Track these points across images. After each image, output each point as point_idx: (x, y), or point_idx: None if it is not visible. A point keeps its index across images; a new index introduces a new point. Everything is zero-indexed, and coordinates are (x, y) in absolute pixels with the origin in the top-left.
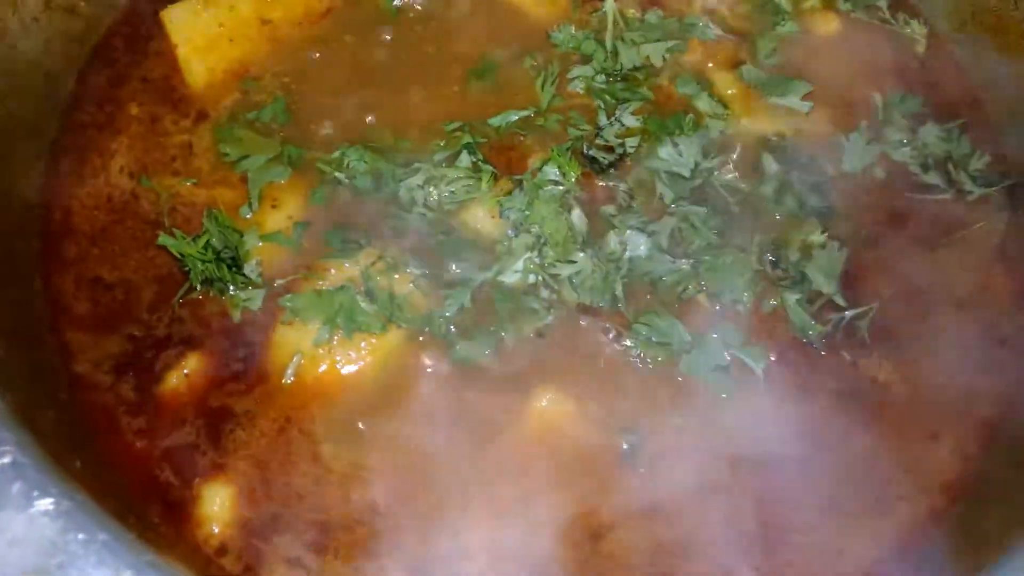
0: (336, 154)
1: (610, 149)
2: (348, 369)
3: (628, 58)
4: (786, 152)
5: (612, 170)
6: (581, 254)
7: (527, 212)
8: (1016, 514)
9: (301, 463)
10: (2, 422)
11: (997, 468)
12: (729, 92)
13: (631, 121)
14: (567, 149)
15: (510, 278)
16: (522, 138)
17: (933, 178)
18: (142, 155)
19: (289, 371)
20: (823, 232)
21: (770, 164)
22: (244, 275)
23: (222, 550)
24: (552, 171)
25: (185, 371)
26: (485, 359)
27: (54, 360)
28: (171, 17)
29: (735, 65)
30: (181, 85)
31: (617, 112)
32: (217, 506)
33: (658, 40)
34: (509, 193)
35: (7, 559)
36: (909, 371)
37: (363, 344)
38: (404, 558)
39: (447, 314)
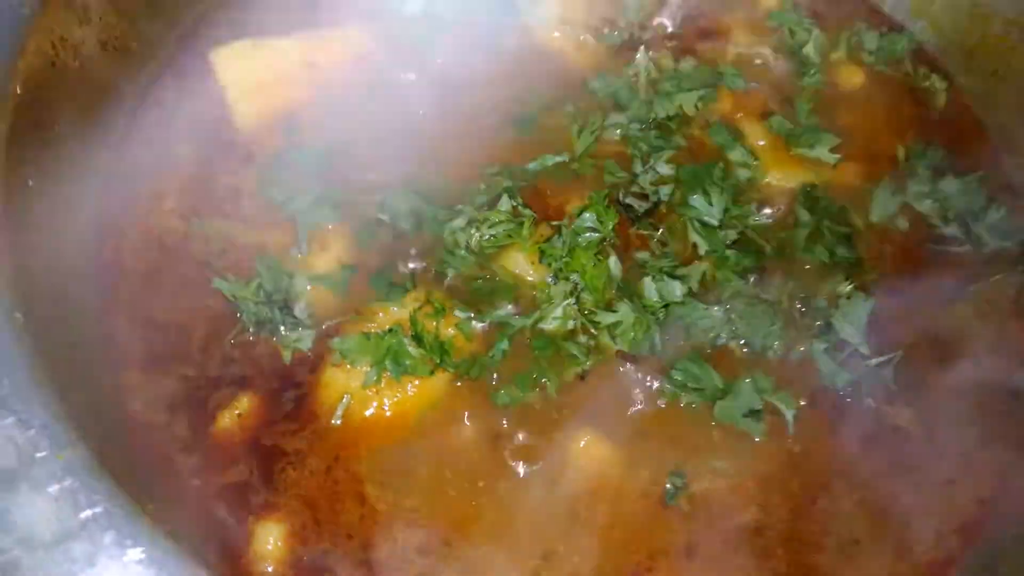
0: (379, 196)
1: (644, 197)
2: (395, 410)
3: (662, 107)
4: (816, 202)
5: (647, 218)
6: (624, 305)
7: (566, 259)
8: None
9: (347, 502)
10: (89, 471)
11: (1009, 514)
12: (759, 143)
13: (664, 169)
14: (604, 196)
15: (550, 324)
16: (559, 184)
17: (953, 230)
18: (191, 196)
19: (338, 411)
20: (849, 282)
21: (802, 214)
22: (294, 317)
23: None
24: (590, 218)
25: (237, 411)
26: (526, 402)
27: (113, 400)
28: (220, 58)
29: (764, 116)
30: (229, 127)
31: (651, 160)
32: (270, 544)
33: (691, 90)
34: (548, 239)
35: None
36: (928, 418)
37: (410, 386)
38: None
39: (490, 359)
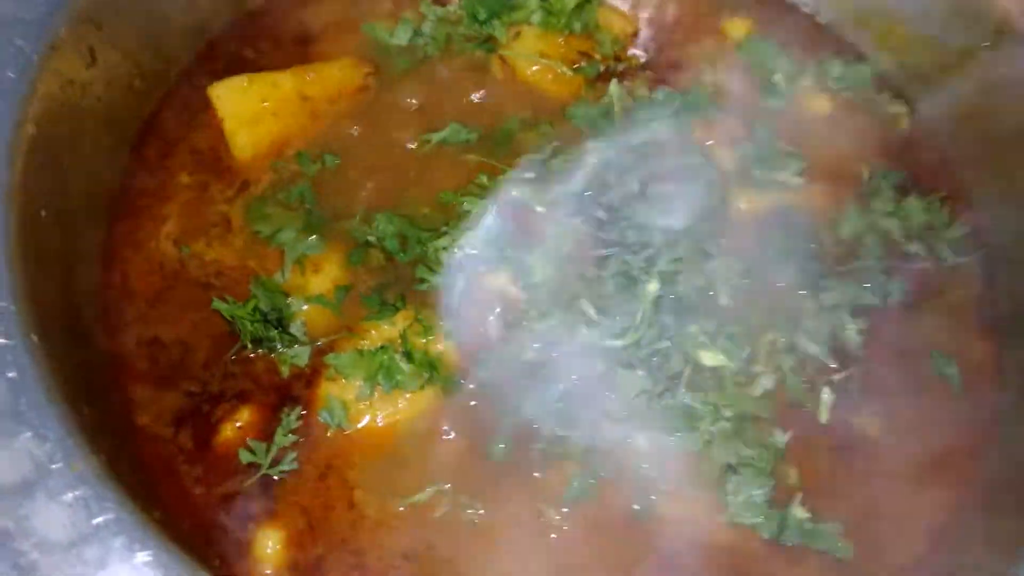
0: (357, 220)
1: (612, 208)
2: (386, 422)
3: (636, 134)
4: (782, 224)
5: (609, 227)
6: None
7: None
8: (996, 562)
9: (339, 508)
10: (100, 480)
11: (977, 518)
12: (728, 168)
13: (635, 187)
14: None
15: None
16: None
17: (915, 247)
18: (188, 223)
19: (332, 423)
20: (816, 299)
21: (774, 233)
22: (291, 334)
23: None
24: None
25: (238, 423)
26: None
27: (121, 414)
28: (218, 93)
29: (733, 142)
30: (227, 156)
31: (625, 178)
32: (269, 549)
33: (664, 118)
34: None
35: None
36: (896, 426)
37: (400, 400)
38: None
39: (480, 385)
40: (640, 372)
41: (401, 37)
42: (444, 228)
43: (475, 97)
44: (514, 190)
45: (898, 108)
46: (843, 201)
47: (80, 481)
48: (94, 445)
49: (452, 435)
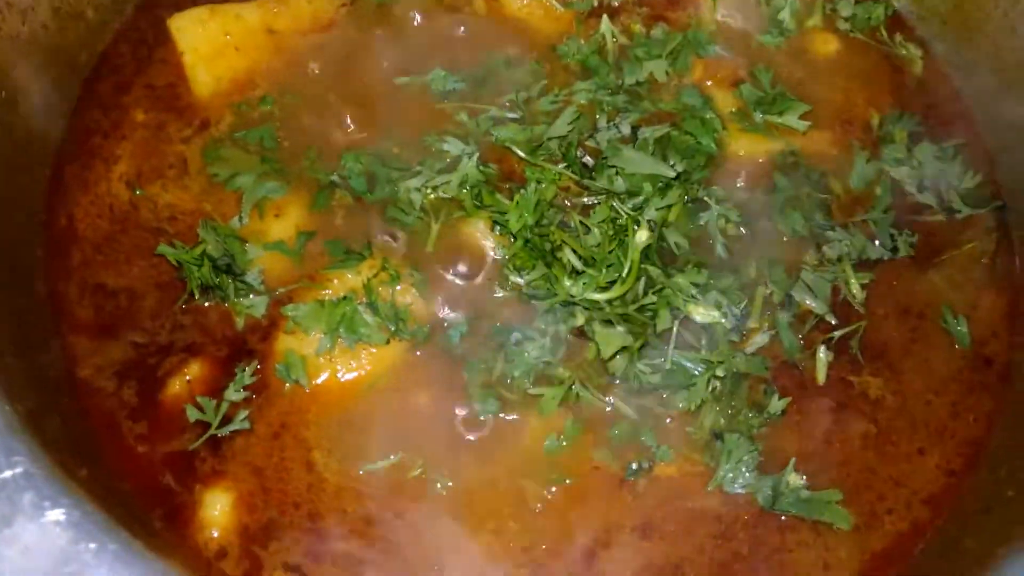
0: (320, 159)
1: (598, 153)
2: (347, 378)
3: (632, 73)
4: (795, 168)
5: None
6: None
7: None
8: (997, 531)
9: (295, 470)
10: (12, 432)
11: (979, 485)
12: (729, 111)
13: (627, 130)
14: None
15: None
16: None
17: (927, 198)
18: (142, 163)
19: (290, 379)
20: (818, 252)
21: (780, 179)
22: (246, 283)
23: (221, 554)
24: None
25: (187, 377)
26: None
27: (58, 366)
28: (178, 25)
29: (735, 84)
30: (187, 93)
31: (617, 119)
32: (217, 511)
33: (661, 56)
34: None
35: (20, 568)
36: (898, 387)
37: (364, 355)
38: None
39: (452, 340)
40: (620, 328)
41: None
42: (417, 167)
43: (456, 33)
44: (495, 131)
45: (912, 50)
46: (850, 148)
47: None
48: (12, 395)
49: (421, 394)
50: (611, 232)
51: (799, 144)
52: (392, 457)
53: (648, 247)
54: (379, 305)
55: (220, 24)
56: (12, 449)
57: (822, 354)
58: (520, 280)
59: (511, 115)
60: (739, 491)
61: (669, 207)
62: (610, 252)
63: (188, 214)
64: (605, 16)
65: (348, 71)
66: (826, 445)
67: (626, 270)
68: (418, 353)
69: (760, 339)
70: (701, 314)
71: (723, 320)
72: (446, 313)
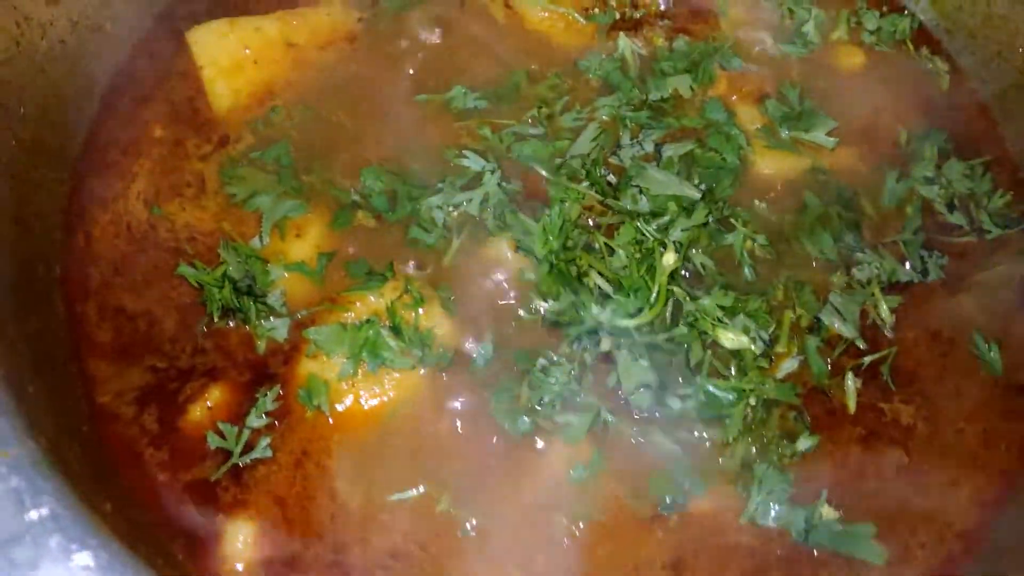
0: (341, 177)
1: (622, 170)
2: (371, 404)
3: (656, 89)
4: (825, 187)
5: (621, 192)
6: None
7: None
8: None
9: (318, 499)
10: (37, 469)
11: (1013, 517)
12: (755, 127)
13: (650, 148)
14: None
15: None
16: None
17: (957, 218)
18: (160, 181)
19: (311, 405)
20: (847, 274)
21: (810, 198)
22: (267, 305)
23: None
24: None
25: (208, 403)
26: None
27: (76, 391)
28: (196, 38)
29: (760, 99)
30: (205, 108)
31: (640, 135)
32: (240, 543)
33: (687, 71)
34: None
35: None
36: (930, 415)
37: (387, 380)
38: None
39: (476, 365)
40: (643, 362)
41: None
42: (440, 184)
43: (476, 47)
44: (517, 148)
45: (939, 65)
46: (878, 165)
47: (13, 470)
48: (36, 428)
49: (445, 421)
50: (638, 255)
51: (826, 161)
52: (417, 487)
53: (674, 269)
54: (403, 329)
55: (239, 37)
56: (38, 488)
57: (851, 382)
58: (545, 305)
59: (533, 131)
60: (772, 524)
61: (695, 228)
62: (638, 276)
63: (207, 234)
64: (622, 34)
65: (367, 86)
66: (858, 475)
67: (654, 295)
68: (444, 378)
69: (789, 365)
70: (730, 340)
71: (752, 346)
72: (470, 337)
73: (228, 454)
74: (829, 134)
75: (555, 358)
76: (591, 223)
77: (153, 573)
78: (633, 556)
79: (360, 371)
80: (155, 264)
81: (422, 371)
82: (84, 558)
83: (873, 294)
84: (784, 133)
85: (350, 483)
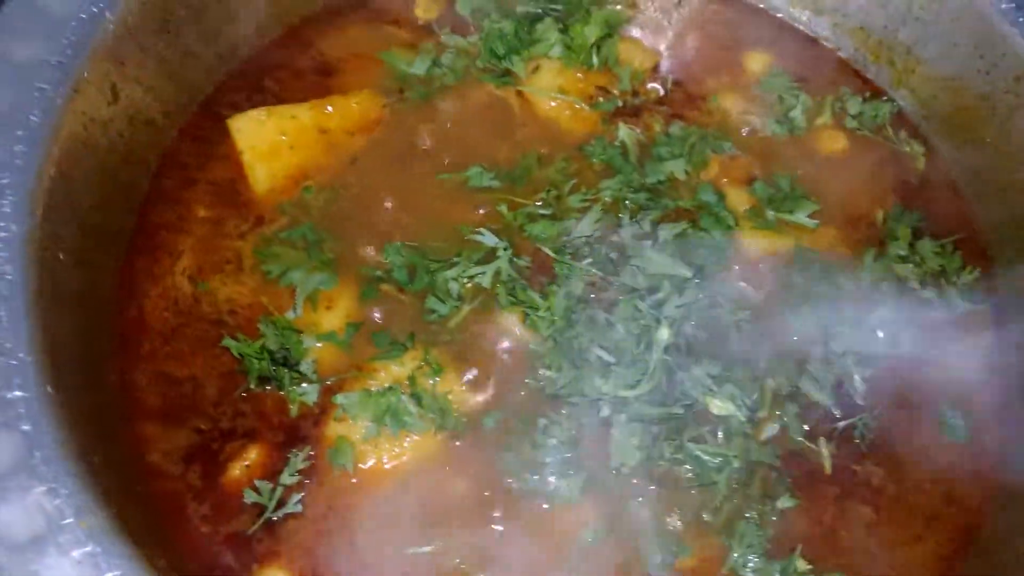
0: (368, 253)
1: (623, 249)
2: (391, 464)
3: (653, 172)
4: (795, 267)
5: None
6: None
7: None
8: None
9: (343, 551)
10: (110, 537)
11: (972, 570)
12: (742, 209)
13: (648, 227)
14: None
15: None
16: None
17: (928, 294)
18: (203, 258)
19: (338, 464)
20: (825, 346)
21: (795, 276)
22: (300, 372)
23: None
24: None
25: (246, 462)
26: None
27: (129, 452)
28: (237, 125)
29: (749, 181)
30: (246, 189)
31: (639, 216)
32: None
33: (681, 155)
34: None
35: None
36: (898, 476)
37: (407, 442)
38: None
39: (487, 426)
40: (634, 440)
41: (419, 67)
42: (455, 259)
43: (492, 132)
44: (528, 229)
45: (915, 148)
46: (857, 243)
47: (89, 537)
48: (105, 498)
49: (457, 481)
50: (636, 331)
51: (809, 240)
52: (432, 543)
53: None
54: (422, 396)
55: (276, 124)
56: (111, 553)
57: (824, 448)
58: (549, 375)
59: (543, 211)
60: (751, 574)
61: (687, 305)
62: (636, 350)
63: (246, 307)
64: (621, 123)
65: (391, 167)
66: (831, 531)
67: (651, 367)
68: (457, 442)
69: (771, 429)
70: (718, 407)
71: (738, 412)
72: (481, 403)
73: (263, 509)
74: (812, 215)
75: (555, 420)
76: (593, 296)
77: None
78: None
79: (383, 433)
80: (199, 336)
81: (438, 435)
82: None
83: (848, 365)
84: (770, 214)
85: (371, 537)
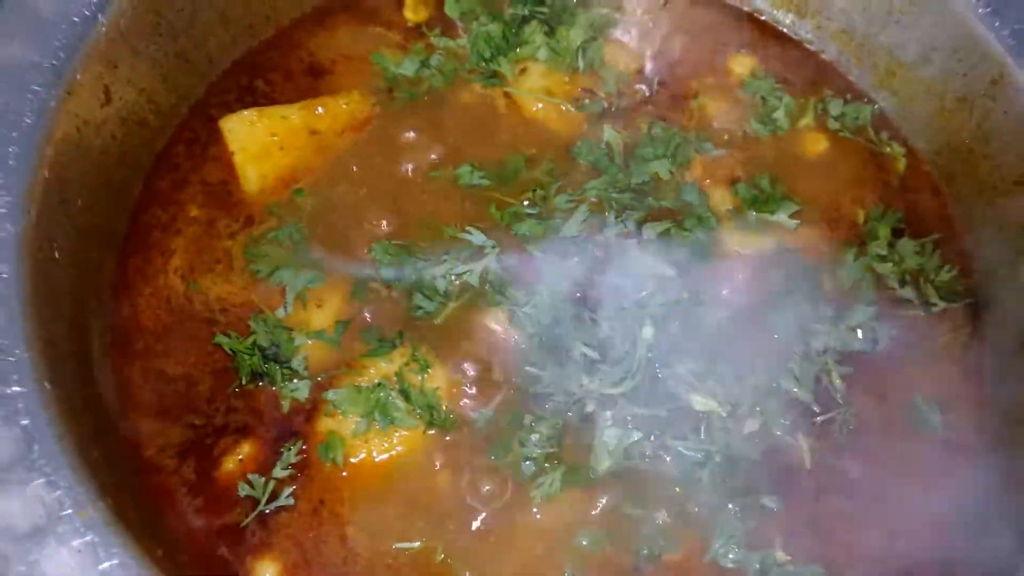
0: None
1: (608, 248)
2: (381, 458)
3: (638, 173)
4: (776, 267)
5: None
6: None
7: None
8: None
9: (331, 543)
10: (108, 527)
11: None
12: (725, 209)
13: (632, 227)
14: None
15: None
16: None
17: (907, 293)
18: (194, 258)
19: (329, 458)
20: (805, 343)
21: (776, 275)
22: (291, 368)
23: None
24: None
25: (239, 456)
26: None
27: (126, 448)
28: (229, 126)
29: (732, 182)
30: (237, 190)
31: (624, 215)
32: None
33: (664, 156)
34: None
35: None
36: (875, 471)
37: (396, 436)
38: None
39: (474, 422)
40: (618, 429)
41: (408, 68)
42: (444, 257)
43: (480, 132)
44: (515, 228)
45: (896, 149)
46: (838, 243)
47: (88, 527)
48: (102, 490)
49: (446, 475)
50: (621, 329)
51: (790, 240)
52: (419, 538)
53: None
54: (410, 391)
55: (267, 125)
56: (109, 543)
57: (803, 442)
58: (535, 372)
59: (530, 211)
60: (731, 566)
61: (670, 303)
62: (621, 348)
63: (237, 305)
64: (607, 124)
65: (381, 167)
66: (810, 523)
67: (635, 365)
68: (446, 437)
69: (751, 424)
70: (700, 403)
71: (719, 408)
72: (469, 400)
73: (256, 502)
74: (793, 215)
75: (541, 416)
76: (578, 295)
77: None
78: None
79: (372, 429)
80: (192, 332)
81: (427, 431)
82: None
83: (827, 363)
84: (752, 215)
85: (359, 529)
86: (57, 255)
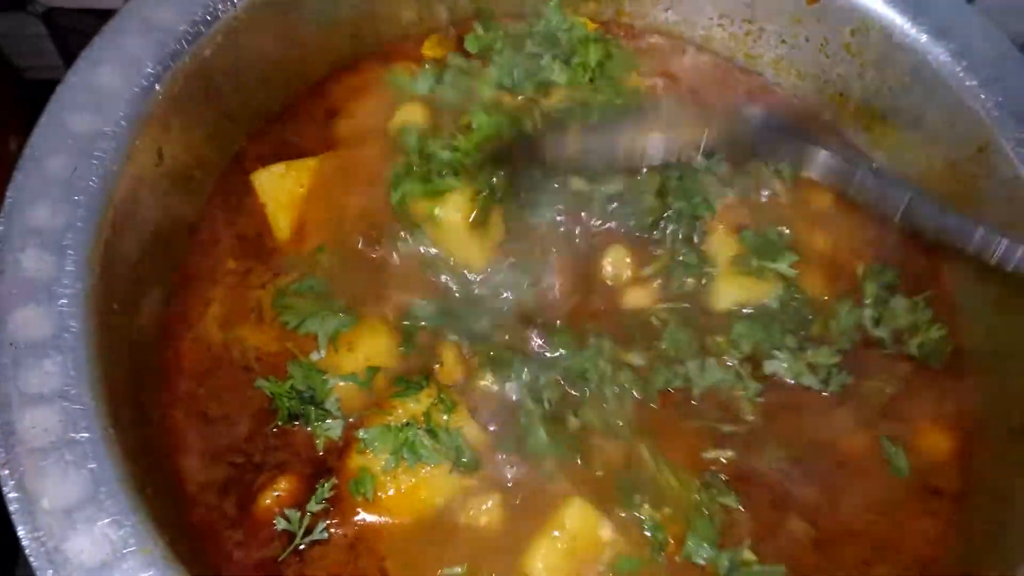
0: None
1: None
2: (409, 493)
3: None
4: (786, 306)
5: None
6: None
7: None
8: None
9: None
10: (167, 562)
11: None
12: (731, 255)
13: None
14: None
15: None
16: None
17: (892, 349)
18: (230, 308)
19: (360, 492)
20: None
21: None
22: (325, 409)
23: None
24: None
25: (276, 492)
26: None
27: (173, 486)
28: (259, 180)
29: (739, 228)
30: (271, 240)
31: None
32: None
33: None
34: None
35: None
36: (836, 504)
37: (424, 472)
38: None
39: (497, 458)
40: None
41: (423, 86)
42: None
43: None
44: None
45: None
46: (838, 294)
47: (150, 564)
48: (159, 528)
49: (475, 509)
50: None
51: (791, 289)
52: (452, 569)
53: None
54: (437, 431)
55: (295, 176)
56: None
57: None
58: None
59: None
60: (703, 563)
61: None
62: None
63: (272, 354)
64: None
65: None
66: (774, 534)
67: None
68: (470, 475)
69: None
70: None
71: None
72: (490, 435)
73: (292, 536)
74: (795, 265)
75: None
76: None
77: None
78: None
79: (401, 465)
80: (230, 379)
81: (452, 467)
82: None
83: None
84: (753, 262)
85: (397, 564)
86: (115, 307)
